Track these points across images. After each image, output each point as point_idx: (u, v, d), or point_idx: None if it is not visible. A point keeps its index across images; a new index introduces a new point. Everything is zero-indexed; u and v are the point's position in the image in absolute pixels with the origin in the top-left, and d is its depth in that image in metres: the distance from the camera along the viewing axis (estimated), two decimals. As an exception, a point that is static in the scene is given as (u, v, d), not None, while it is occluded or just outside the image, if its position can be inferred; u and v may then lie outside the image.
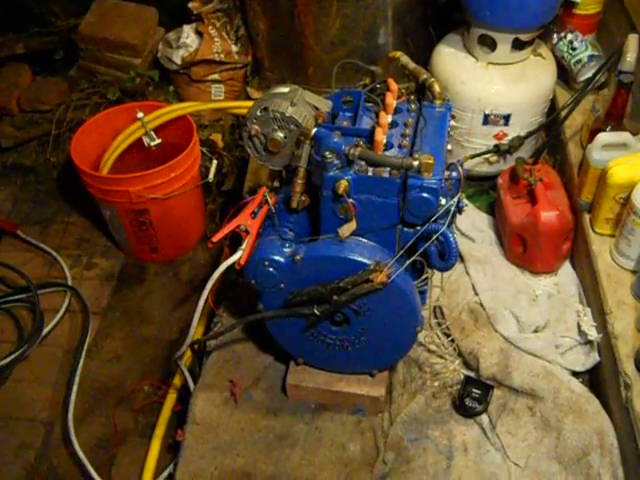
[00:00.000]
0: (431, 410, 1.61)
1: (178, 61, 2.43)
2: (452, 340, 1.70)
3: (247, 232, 1.46)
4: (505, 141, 1.96)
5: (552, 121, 1.97)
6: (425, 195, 1.33)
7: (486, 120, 1.91)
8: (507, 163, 2.02)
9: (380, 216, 1.40)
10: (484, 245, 1.90)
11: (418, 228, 1.40)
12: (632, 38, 1.68)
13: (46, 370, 2.05)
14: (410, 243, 1.42)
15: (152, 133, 2.11)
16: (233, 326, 1.57)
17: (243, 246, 1.45)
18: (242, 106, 2.22)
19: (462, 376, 1.65)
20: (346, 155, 1.34)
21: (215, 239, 1.42)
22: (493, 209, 2.03)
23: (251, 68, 2.55)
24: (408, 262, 1.42)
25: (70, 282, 2.27)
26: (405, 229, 1.42)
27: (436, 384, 1.65)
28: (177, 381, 1.89)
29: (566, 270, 1.81)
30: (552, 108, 2.03)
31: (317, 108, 1.52)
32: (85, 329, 2.13)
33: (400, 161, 1.32)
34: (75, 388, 1.97)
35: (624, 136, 1.59)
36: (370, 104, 1.59)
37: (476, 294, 1.77)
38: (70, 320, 2.18)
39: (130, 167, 2.20)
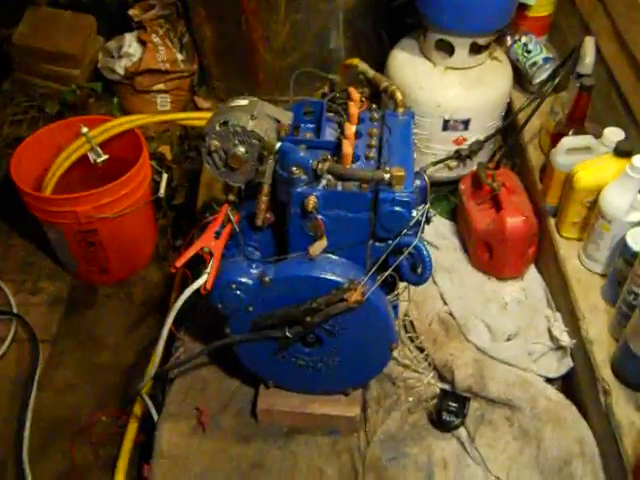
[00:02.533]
0: (407, 426, 1.57)
1: (121, 71, 2.33)
2: (425, 353, 1.67)
3: (211, 254, 1.39)
4: (465, 146, 1.94)
5: (509, 125, 1.96)
6: (397, 209, 1.29)
7: (446, 126, 1.89)
8: (467, 168, 2.01)
9: (351, 232, 1.35)
10: (449, 252, 1.88)
11: (389, 242, 1.36)
12: (589, 40, 1.67)
13: (-5, 405, 1.92)
14: (382, 258, 1.38)
15: (98, 149, 2.00)
16: (199, 353, 1.49)
17: (208, 269, 1.37)
18: (192, 117, 2.13)
19: (437, 389, 1.62)
20: (314, 170, 1.29)
21: (178, 264, 1.34)
22: (454, 215, 2.01)
23: (198, 77, 2.46)
24: (382, 278, 1.37)
25: (15, 309, 2.13)
26: (376, 243, 1.38)
27: (411, 399, 1.61)
28: (137, 409, 1.79)
29: (532, 274, 1.80)
30: (508, 111, 2.02)
31: (278, 121, 1.45)
32: (34, 359, 1.99)
33: (371, 174, 1.27)
34: (28, 423, 1.84)
35: (587, 139, 1.58)
36: (331, 114, 1.54)
37: (445, 303, 1.74)
38: (17, 350, 2.04)
39: (75, 185, 2.08)
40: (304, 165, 1.29)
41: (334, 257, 1.38)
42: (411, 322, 1.73)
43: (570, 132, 1.64)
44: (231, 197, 1.49)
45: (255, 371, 1.54)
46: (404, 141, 1.46)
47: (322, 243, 1.34)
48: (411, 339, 1.71)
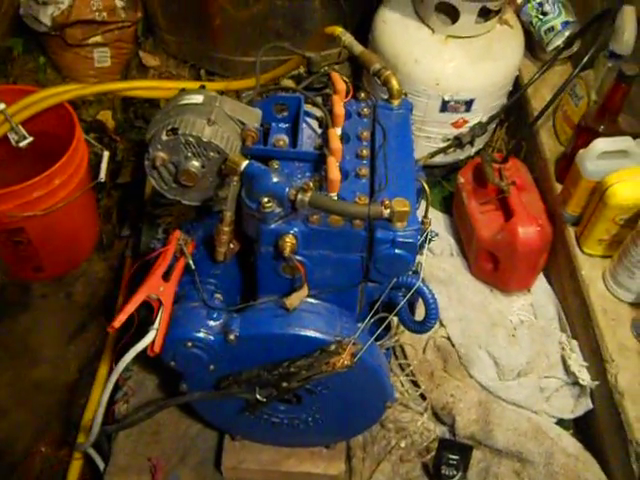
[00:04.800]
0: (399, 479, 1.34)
1: (47, 22, 1.91)
2: (419, 386, 1.42)
3: (160, 302, 1.09)
4: (465, 129, 1.62)
5: (516, 102, 1.65)
6: (398, 252, 1.02)
7: (444, 107, 1.56)
8: (464, 152, 1.70)
9: (338, 274, 1.08)
10: (444, 258, 1.60)
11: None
12: (629, 11, 1.34)
13: None
14: (377, 307, 1.11)
15: (20, 128, 1.63)
16: (145, 416, 1.19)
17: (156, 324, 1.08)
18: (135, 87, 1.74)
19: (432, 431, 1.38)
20: (292, 201, 0.98)
21: (117, 324, 1.03)
22: (449, 206, 1.73)
23: (143, 26, 2.06)
24: (377, 332, 1.10)
25: None
26: (369, 284, 1.10)
27: (403, 444, 1.37)
28: (82, 439, 1.53)
29: (541, 286, 1.54)
30: (515, 85, 1.69)
31: (243, 122, 1.13)
32: (-43, 377, 1.70)
33: (365, 210, 0.98)
34: (-50, 458, 1.57)
35: (625, 142, 1.29)
36: (309, 106, 1.22)
37: (442, 324, 1.48)
38: (-64, 366, 1.74)
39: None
40: (278, 195, 0.99)
41: (315, 302, 1.10)
42: (401, 347, 1.47)
43: (601, 128, 1.34)
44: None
45: (218, 426, 1.28)
46: (403, 146, 1.17)
47: (302, 293, 1.06)
48: (402, 367, 1.46)
